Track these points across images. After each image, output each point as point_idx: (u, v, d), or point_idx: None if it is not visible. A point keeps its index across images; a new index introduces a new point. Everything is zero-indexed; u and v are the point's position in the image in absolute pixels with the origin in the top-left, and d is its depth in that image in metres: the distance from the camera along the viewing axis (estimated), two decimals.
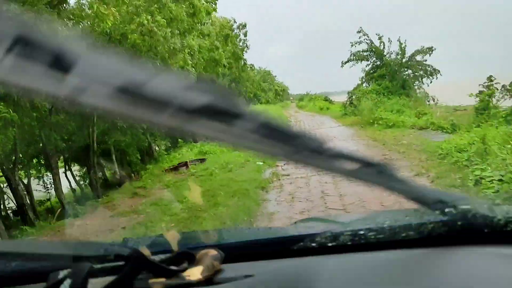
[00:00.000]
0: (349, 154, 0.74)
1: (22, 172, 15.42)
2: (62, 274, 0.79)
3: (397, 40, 25.62)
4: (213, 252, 0.87)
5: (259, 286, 0.80)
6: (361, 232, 0.95)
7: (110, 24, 9.43)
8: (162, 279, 0.80)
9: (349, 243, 0.95)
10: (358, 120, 20.08)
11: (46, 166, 13.27)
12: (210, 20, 23.19)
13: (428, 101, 24.24)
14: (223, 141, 0.65)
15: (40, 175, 18.29)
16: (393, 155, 10.11)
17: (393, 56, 26.08)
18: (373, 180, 0.80)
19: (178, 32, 13.15)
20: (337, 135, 16.22)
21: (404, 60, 25.63)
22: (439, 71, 25.64)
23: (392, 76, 25.46)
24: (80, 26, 11.29)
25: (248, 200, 7.27)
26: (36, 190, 17.93)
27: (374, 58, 26.94)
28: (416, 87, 26.37)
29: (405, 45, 25.48)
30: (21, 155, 12.80)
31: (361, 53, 26.94)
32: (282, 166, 10.58)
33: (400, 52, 25.64)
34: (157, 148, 24.10)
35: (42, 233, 7.60)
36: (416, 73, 25.74)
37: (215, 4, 17.25)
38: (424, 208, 0.93)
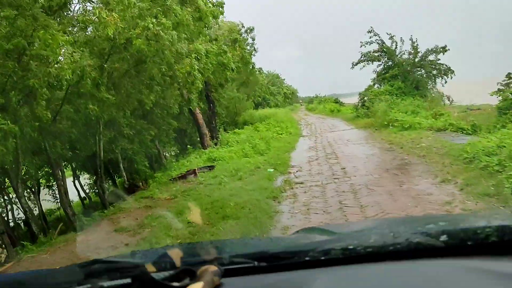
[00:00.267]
0: None
1: (29, 183, 15.14)
2: None
3: (409, 39, 25.02)
4: (213, 268, 0.91)
5: None
6: (351, 247, 0.97)
7: (112, 32, 8.98)
8: None
9: (341, 256, 0.97)
10: (371, 122, 19.49)
11: (52, 176, 12.85)
12: (218, 25, 22.85)
13: (443, 101, 23.56)
14: None
15: (50, 184, 18.06)
16: (412, 159, 9.52)
17: (405, 56, 25.46)
18: None
19: (185, 36, 12.73)
20: (350, 138, 15.65)
21: (416, 60, 25.00)
22: (453, 70, 24.95)
23: (405, 76, 24.84)
24: (84, 34, 10.96)
25: (260, 212, 6.74)
26: (45, 200, 17.69)
27: (386, 58, 26.34)
28: (429, 87, 25.72)
29: (417, 44, 24.87)
30: (26, 166, 12.47)
31: (372, 53, 26.38)
32: (295, 173, 10.05)
33: (412, 51, 25.01)
34: (166, 155, 23.76)
35: (42, 249, 7.15)
36: (430, 73, 25.06)
37: (222, 7, 16.81)
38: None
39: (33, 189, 16.15)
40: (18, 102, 8.37)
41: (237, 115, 27.24)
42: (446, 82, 25.11)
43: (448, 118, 15.46)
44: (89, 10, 9.67)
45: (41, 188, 17.58)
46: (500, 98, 14.22)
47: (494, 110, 18.11)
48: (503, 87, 17.05)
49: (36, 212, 14.31)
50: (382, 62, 26.33)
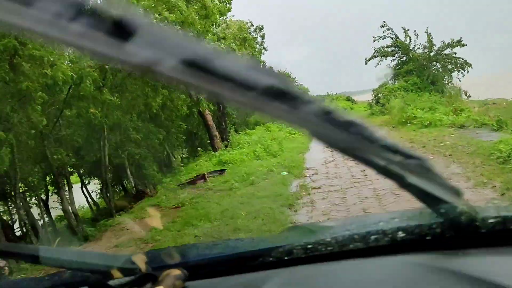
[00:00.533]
0: (396, 145, 0.73)
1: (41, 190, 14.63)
2: None
3: (425, 32, 24.11)
4: (176, 272, 0.91)
5: None
6: (310, 246, 0.97)
7: None
8: None
9: (303, 256, 0.96)
10: (387, 119, 18.73)
11: (55, 184, 12.33)
12: (226, 24, 22.25)
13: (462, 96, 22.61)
14: (288, 122, 0.68)
15: (56, 191, 17.62)
16: (438, 159, 8.77)
17: (419, 50, 24.59)
18: (415, 172, 0.76)
19: (192, 35, 12.12)
20: None
21: (432, 54, 24.11)
22: (470, 64, 24.03)
23: (420, 71, 23.98)
24: None
25: (274, 223, 6.06)
26: (53, 208, 17.19)
27: (400, 53, 25.49)
28: (446, 82, 24.81)
29: (432, 37, 24.00)
30: (28, 175, 11.94)
31: (386, 49, 25.56)
32: (311, 177, 9.36)
33: (428, 45, 24.13)
34: (176, 157, 23.21)
35: (36, 268, 6.56)
36: (446, 67, 24.15)
37: (230, 3, 16.15)
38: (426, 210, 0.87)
39: (42, 197, 15.68)
40: (12, 108, 7.80)
41: (248, 115, 26.57)
42: (463, 76, 24.21)
43: (470, 114, 14.66)
44: None
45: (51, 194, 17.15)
46: None
47: (510, 104, 17.20)
48: None
49: (43, 220, 13.85)
50: (396, 57, 25.50)
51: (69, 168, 14.04)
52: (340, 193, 7.40)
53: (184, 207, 8.92)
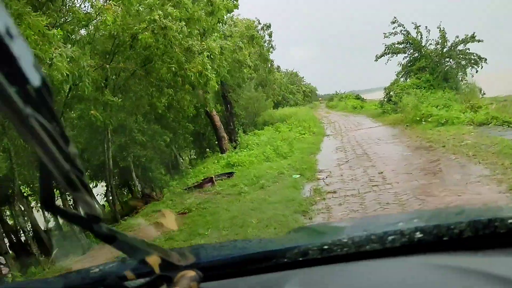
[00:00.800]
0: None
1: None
2: None
3: (437, 27, 23.42)
4: (191, 273, 0.89)
5: None
6: (326, 247, 0.96)
7: (111, 22, 7.95)
8: None
9: (318, 256, 0.96)
10: (400, 118, 18.10)
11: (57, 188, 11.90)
12: (233, 22, 21.80)
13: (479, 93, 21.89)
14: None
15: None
16: (461, 160, 8.19)
17: (432, 46, 23.92)
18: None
19: (198, 32, 11.66)
20: (381, 136, 14.33)
21: (445, 50, 23.42)
22: (485, 59, 23.31)
23: (433, 68, 23.30)
24: (84, 30, 10.00)
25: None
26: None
27: (412, 50, 24.84)
28: (459, 79, 24.10)
29: (446, 33, 23.32)
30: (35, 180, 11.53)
31: (397, 45, 24.91)
32: (325, 180, 8.83)
33: (440, 41, 23.44)
34: (184, 159, 22.79)
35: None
36: (460, 63, 23.45)
37: (236, 0, 15.64)
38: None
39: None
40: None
41: (256, 115, 26.04)
42: (477, 71, 23.51)
43: (488, 111, 14.00)
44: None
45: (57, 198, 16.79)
46: None
47: None
48: None
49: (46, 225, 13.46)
50: (407, 54, 24.85)
51: None
52: (358, 198, 6.85)
53: (191, 213, 8.43)
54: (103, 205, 18.84)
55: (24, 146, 8.37)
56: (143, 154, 14.11)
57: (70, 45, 9.18)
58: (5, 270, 9.63)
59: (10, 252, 10.86)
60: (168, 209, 9.08)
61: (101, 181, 18.41)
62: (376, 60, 25.06)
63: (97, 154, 12.33)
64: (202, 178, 11.81)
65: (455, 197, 5.79)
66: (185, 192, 11.01)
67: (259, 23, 28.28)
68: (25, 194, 13.30)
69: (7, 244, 12.41)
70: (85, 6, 9.24)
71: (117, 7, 8.71)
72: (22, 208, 10.84)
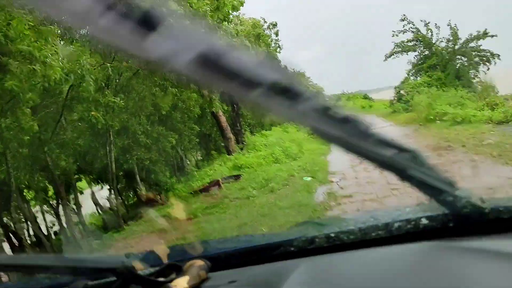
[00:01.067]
0: (390, 139, 0.75)
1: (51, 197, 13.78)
2: None
3: (447, 25, 22.88)
4: (199, 262, 0.91)
5: None
6: (333, 235, 0.97)
7: None
8: None
9: (325, 245, 0.97)
10: (412, 117, 17.57)
11: (56, 194, 11.44)
12: (239, 21, 21.34)
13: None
14: (288, 117, 0.73)
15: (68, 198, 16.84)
16: (486, 161, 7.63)
17: (443, 43, 23.36)
18: (407, 168, 0.76)
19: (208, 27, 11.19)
20: (394, 136, 13.18)
21: (457, 47, 22.86)
22: (498, 55, 22.71)
23: (444, 65, 22.74)
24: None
25: None
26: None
27: (422, 48, 24.30)
28: (472, 76, 23.54)
29: (457, 29, 22.78)
30: (25, 187, 11.04)
31: (406, 43, 24.39)
32: (338, 182, 8.30)
33: (452, 38, 22.88)
34: (190, 161, 22.31)
35: None
36: (472, 61, 22.89)
37: None
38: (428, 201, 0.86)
39: (53, 205, 14.89)
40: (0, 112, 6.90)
41: (263, 115, 25.57)
42: (488, 69, 22.93)
43: (506, 109, 13.41)
44: None
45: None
46: None
47: None
48: None
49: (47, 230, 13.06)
50: (418, 52, 24.31)
51: (76, 175, 13.23)
52: (377, 203, 6.32)
53: (197, 219, 7.95)
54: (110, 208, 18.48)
55: (19, 150, 7.94)
56: (147, 157, 13.62)
57: (69, 43, 8.79)
58: (4, 278, 9.24)
59: None
60: (167, 216, 8.62)
61: (106, 184, 18.02)
62: (385, 60, 24.64)
63: (100, 157, 11.88)
64: (208, 181, 11.35)
65: None
66: (191, 196, 10.55)
67: (265, 21, 27.84)
68: (27, 198, 12.92)
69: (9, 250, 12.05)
70: None
71: None
72: (21, 214, 10.40)
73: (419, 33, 23.71)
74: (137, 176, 13.71)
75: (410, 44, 24.36)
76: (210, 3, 11.51)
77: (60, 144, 10.13)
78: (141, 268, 0.88)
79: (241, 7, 15.42)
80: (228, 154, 16.07)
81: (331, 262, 0.92)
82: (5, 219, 12.31)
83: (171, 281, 0.86)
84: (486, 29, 22.56)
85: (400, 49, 24.45)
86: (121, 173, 14.39)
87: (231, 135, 17.68)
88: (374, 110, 29.27)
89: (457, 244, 0.86)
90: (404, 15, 23.75)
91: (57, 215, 14.52)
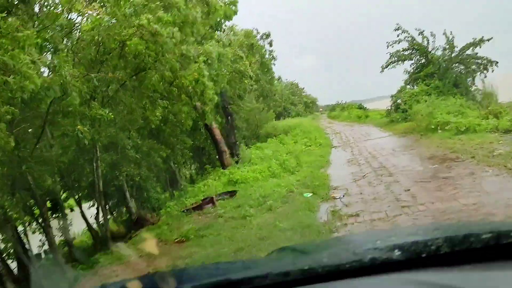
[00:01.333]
0: None
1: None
2: None
3: (443, 34, 22.49)
4: None
5: None
6: (307, 267, 0.97)
7: (92, 27, 6.95)
8: None
9: (300, 277, 0.95)
10: (412, 126, 17.05)
11: (40, 214, 10.69)
12: (232, 32, 20.88)
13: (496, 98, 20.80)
14: None
15: (56, 216, 16.09)
16: (500, 173, 7.03)
17: (439, 52, 22.96)
18: None
19: (193, 39, 10.64)
20: (395, 147, 13.22)
21: (453, 55, 22.46)
22: (496, 62, 22.29)
23: (442, 74, 22.30)
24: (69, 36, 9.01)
25: None
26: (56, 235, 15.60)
27: (418, 56, 23.89)
28: (469, 84, 23.11)
29: (453, 37, 22.39)
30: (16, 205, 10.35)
31: (402, 52, 23.97)
32: (342, 199, 7.68)
33: (448, 46, 22.48)
34: (183, 176, 21.62)
35: None
36: (470, 68, 22.48)
37: (235, 5, 14.64)
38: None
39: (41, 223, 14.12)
40: None
41: (258, 127, 24.94)
42: (485, 76, 22.50)
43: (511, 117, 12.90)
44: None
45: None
46: None
47: None
48: None
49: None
50: (414, 61, 23.90)
51: (61, 194, 12.53)
52: (387, 222, 5.69)
53: (189, 242, 7.29)
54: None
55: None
56: (137, 173, 12.96)
57: (49, 54, 8.22)
58: None
59: None
60: (158, 239, 7.92)
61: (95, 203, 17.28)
62: (382, 71, 24.15)
63: (86, 174, 11.21)
64: (202, 198, 10.68)
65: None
66: (184, 214, 9.89)
67: (258, 32, 27.39)
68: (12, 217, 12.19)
69: None
70: (68, 12, 8.28)
71: (101, 9, 7.74)
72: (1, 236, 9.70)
73: (414, 41, 23.32)
74: (127, 193, 13.03)
75: (406, 53, 23.96)
76: (201, 9, 10.95)
77: (43, 161, 9.45)
78: None
79: (233, 17, 14.99)
80: (223, 168, 15.44)
81: None
82: None
83: None
84: (482, 36, 22.20)
85: (395, 59, 24.02)
86: (110, 190, 13.71)
87: (225, 148, 17.06)
88: (370, 120, 28.80)
89: (428, 275, 0.88)
90: (397, 24, 23.35)
91: (47, 234, 13.79)
